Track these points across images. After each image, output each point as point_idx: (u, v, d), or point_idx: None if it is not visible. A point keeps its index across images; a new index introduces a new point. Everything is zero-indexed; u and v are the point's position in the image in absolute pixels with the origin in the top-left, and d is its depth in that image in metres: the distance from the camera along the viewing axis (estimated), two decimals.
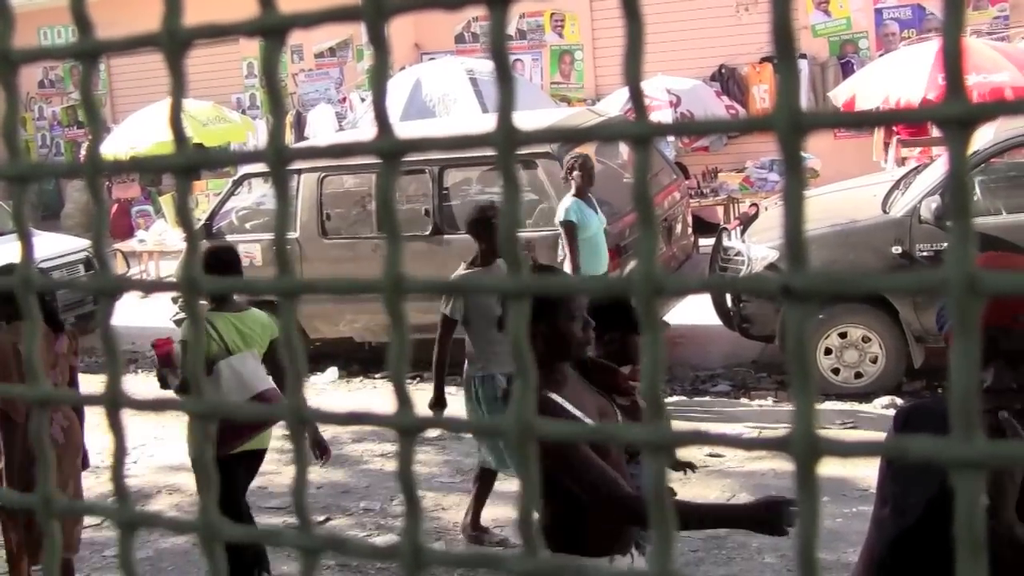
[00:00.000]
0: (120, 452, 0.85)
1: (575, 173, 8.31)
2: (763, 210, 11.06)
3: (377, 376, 10.39)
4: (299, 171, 9.75)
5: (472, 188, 10.11)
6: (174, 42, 0.86)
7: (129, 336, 12.73)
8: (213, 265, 5.49)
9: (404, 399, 0.72)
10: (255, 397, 5.62)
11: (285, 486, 7.93)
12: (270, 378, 5.86)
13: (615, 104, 13.87)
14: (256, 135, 18.63)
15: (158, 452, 8.79)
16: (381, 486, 7.77)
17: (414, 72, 15.23)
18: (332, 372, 10.54)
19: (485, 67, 15.06)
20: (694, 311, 9.84)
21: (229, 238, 10.80)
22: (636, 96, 0.68)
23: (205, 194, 16.79)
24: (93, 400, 0.83)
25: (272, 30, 0.79)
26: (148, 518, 0.81)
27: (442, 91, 14.57)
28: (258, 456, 6.14)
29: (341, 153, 0.86)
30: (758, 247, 8.99)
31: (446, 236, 9.68)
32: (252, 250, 10.71)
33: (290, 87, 20.22)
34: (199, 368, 0.88)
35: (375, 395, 9.98)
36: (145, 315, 12.08)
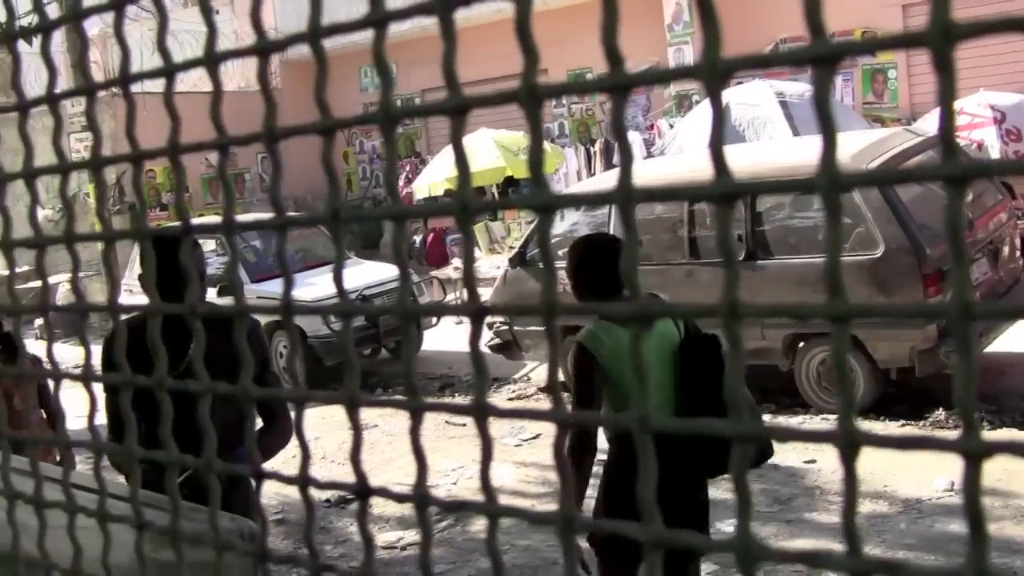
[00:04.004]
0: (649, 475, 0.89)
1: None
2: None
3: None
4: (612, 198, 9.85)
5: (783, 212, 9.96)
6: (532, 97, 0.91)
7: (446, 361, 13.21)
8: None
9: (972, 425, 0.73)
10: None
11: None
12: None
13: (933, 123, 13.39)
14: (565, 164, 19.00)
15: (477, 473, 9.05)
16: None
17: (722, 96, 15.16)
18: None
19: (795, 89, 14.83)
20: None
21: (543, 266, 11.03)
22: (948, 141, 0.70)
23: (517, 222, 17.24)
24: (618, 422, 0.88)
25: (534, 97, 0.84)
26: (680, 538, 0.86)
27: (752, 115, 14.45)
28: None
29: (690, 196, 0.89)
30: None
31: (759, 261, 9.59)
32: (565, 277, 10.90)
33: (598, 115, 20.53)
34: (584, 393, 0.93)
35: None
36: (461, 340, 12.49)
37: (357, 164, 25.03)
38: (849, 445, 0.78)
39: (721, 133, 0.86)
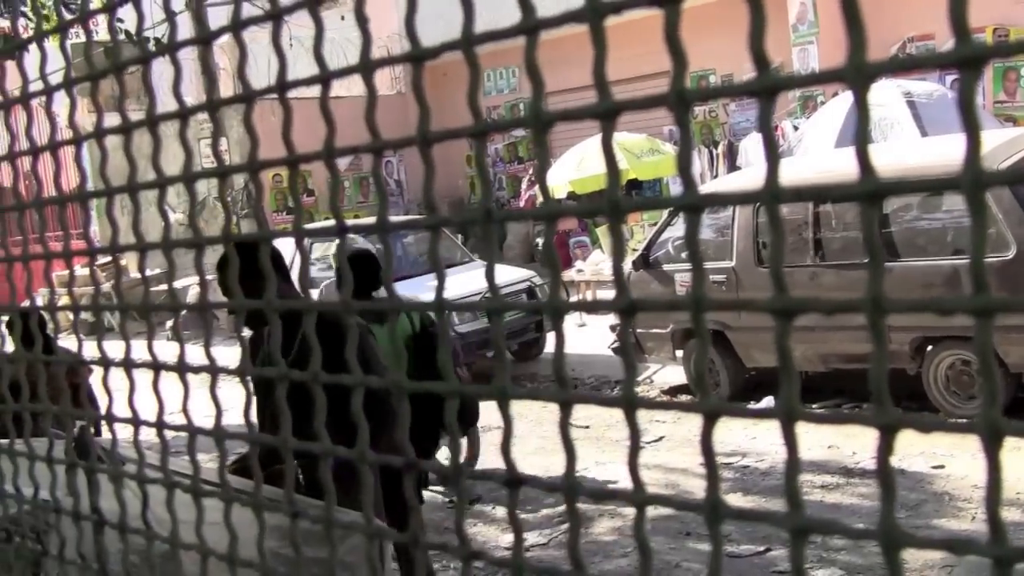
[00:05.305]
0: (794, 465, 0.92)
1: None
2: None
3: (814, 406, 10.25)
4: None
5: (911, 214, 9.78)
6: (681, 102, 0.94)
7: (567, 363, 13.24)
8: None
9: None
10: None
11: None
12: None
13: None
14: None
15: (598, 476, 9.08)
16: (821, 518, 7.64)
17: (849, 97, 14.93)
18: (768, 401, 10.51)
19: (924, 89, 14.55)
20: None
21: (666, 268, 11.04)
22: None
23: (640, 224, 17.20)
24: (767, 414, 0.91)
25: (683, 102, 0.86)
26: (821, 525, 0.89)
27: (879, 115, 14.20)
28: None
29: (837, 195, 0.91)
30: None
31: (886, 263, 9.43)
32: (688, 279, 10.88)
33: (721, 117, 20.38)
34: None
35: (809, 426, 9.81)
36: (583, 343, 12.55)
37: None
38: (993, 435, 0.79)
39: (867, 134, 0.88)
